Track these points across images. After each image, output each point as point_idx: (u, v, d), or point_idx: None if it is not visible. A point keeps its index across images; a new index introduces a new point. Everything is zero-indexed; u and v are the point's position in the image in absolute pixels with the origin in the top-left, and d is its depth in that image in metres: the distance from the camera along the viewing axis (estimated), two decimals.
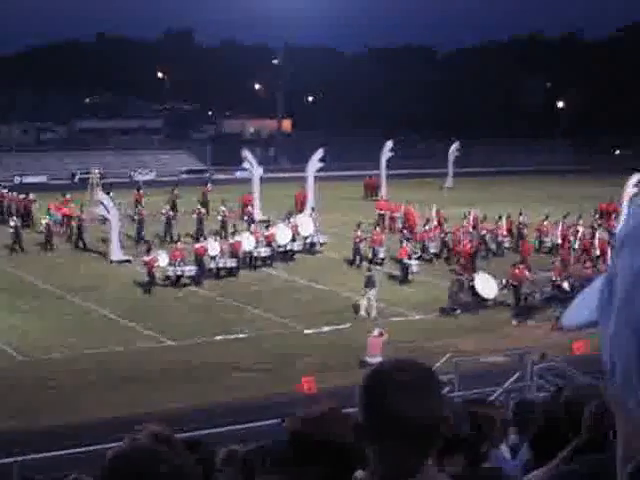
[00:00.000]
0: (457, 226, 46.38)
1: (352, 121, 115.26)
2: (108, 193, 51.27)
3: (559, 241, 46.36)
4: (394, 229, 51.39)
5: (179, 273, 39.45)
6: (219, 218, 49.18)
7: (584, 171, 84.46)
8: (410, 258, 41.36)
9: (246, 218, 50.06)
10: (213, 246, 41.31)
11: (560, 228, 46.92)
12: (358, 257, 43.34)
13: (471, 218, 48.38)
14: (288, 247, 45.15)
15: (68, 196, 52.42)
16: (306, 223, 47.88)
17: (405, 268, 40.82)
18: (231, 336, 32.62)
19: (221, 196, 53.22)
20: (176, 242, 41.90)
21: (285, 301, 37.46)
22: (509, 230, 48.22)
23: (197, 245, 41.63)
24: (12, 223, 46.86)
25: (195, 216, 49.51)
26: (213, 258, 40.96)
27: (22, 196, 55.08)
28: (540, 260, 42.56)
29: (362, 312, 35.20)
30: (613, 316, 1.36)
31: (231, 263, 41.42)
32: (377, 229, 46.26)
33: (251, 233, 44.00)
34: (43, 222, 47.46)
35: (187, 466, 2.64)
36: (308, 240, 46.86)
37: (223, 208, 50.17)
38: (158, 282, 39.22)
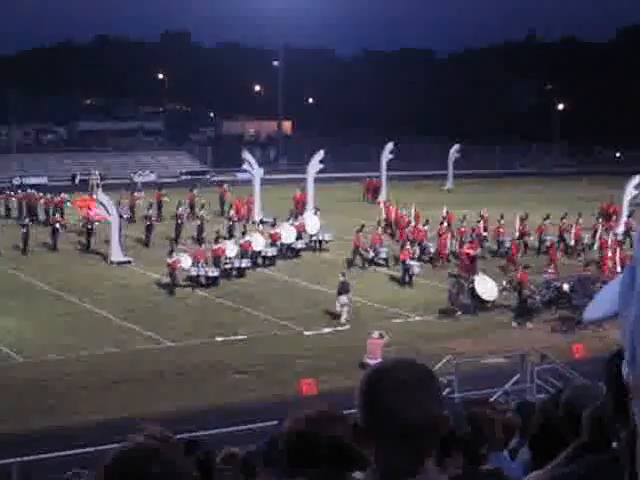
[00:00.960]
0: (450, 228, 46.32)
1: (350, 123, 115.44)
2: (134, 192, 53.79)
3: (572, 242, 46.78)
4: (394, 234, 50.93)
5: (201, 274, 39.75)
6: (198, 222, 48.72)
7: (582, 173, 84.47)
8: (412, 259, 41.30)
9: (228, 222, 49.84)
10: (231, 247, 41.80)
11: (574, 229, 47.08)
12: (359, 257, 43.32)
13: (482, 220, 48.37)
14: (293, 245, 45.79)
15: (95, 196, 53.06)
16: (313, 221, 48.55)
17: (406, 269, 40.74)
18: (230, 337, 32.59)
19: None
20: (200, 243, 42.44)
21: (285, 302, 37.42)
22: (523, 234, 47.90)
23: (215, 246, 41.73)
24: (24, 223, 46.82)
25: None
26: (228, 259, 41.26)
27: (49, 196, 55.39)
28: (540, 261, 42.53)
29: (344, 319, 34.52)
30: (634, 303, 1.37)
31: (245, 264, 41.82)
32: (379, 229, 46.06)
33: (261, 233, 44.72)
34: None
35: (182, 467, 2.62)
36: (314, 238, 47.43)
37: (202, 212, 50.06)
38: (180, 283, 39.37)
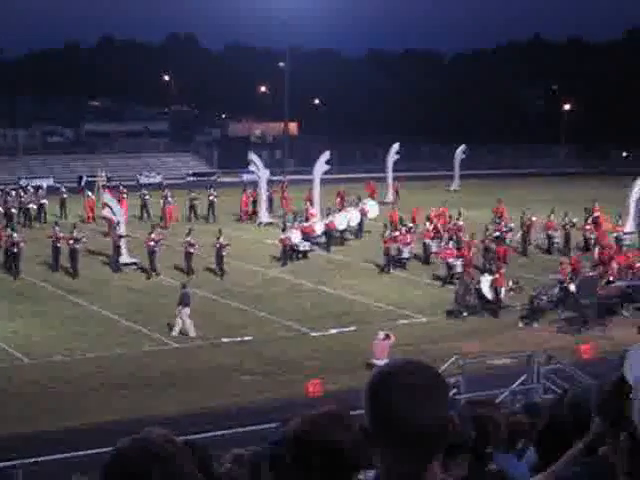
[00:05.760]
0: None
1: (356, 124, 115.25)
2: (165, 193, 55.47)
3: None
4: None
5: (308, 249, 45.31)
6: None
7: (589, 174, 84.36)
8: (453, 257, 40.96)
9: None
10: (319, 226, 47.25)
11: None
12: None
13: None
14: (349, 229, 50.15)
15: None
16: (373, 207, 52.83)
17: (450, 268, 40.33)
18: (236, 339, 32.58)
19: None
20: (305, 220, 48.03)
21: (291, 303, 37.42)
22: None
23: (306, 224, 47.26)
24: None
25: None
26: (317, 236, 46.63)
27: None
28: (548, 262, 42.46)
29: (174, 333, 32.74)
30: None
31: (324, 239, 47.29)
32: (402, 229, 45.49)
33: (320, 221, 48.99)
34: None
35: (184, 469, 2.61)
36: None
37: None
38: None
